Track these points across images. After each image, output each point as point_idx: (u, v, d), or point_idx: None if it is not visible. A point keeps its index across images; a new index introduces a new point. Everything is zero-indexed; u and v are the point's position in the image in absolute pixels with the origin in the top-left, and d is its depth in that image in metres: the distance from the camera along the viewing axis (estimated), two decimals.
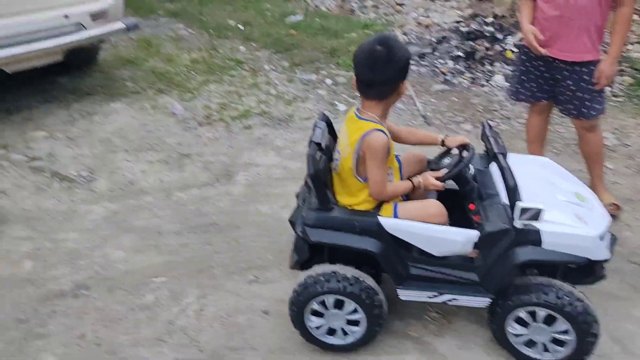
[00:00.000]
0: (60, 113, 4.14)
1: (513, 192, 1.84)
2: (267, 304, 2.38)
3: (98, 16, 4.10)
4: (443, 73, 4.86)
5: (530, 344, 2.01)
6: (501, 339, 2.05)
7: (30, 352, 2.14)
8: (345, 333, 2.07)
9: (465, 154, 2.07)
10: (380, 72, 1.89)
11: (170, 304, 2.38)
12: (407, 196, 2.13)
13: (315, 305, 1.99)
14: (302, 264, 2.05)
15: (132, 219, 2.96)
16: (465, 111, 4.27)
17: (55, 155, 3.58)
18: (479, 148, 2.23)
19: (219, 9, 6.56)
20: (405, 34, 5.66)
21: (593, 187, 3.05)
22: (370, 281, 1.96)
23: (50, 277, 2.54)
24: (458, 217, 2.03)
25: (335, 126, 2.26)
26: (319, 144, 1.96)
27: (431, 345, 2.19)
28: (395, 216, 1.97)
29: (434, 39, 5.38)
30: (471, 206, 2.05)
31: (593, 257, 1.88)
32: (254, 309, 2.36)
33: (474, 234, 1.90)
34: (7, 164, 3.46)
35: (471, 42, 5.14)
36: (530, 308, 1.92)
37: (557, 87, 2.89)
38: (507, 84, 4.64)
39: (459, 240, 1.91)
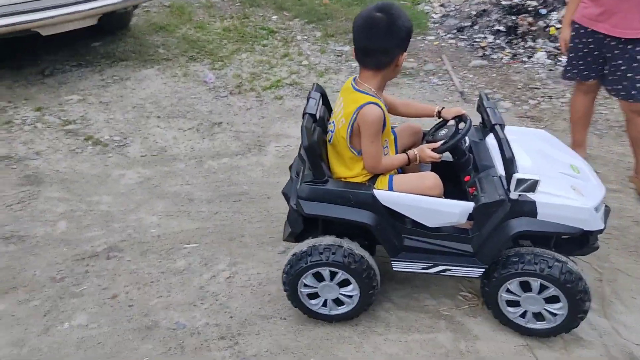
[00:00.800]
0: (94, 77, 4.15)
1: (510, 163, 1.82)
2: None
3: None
4: (482, 48, 4.68)
5: (523, 313, 2.03)
6: (494, 308, 2.06)
7: (65, 310, 2.18)
8: (338, 305, 2.08)
9: (462, 125, 2.03)
10: (379, 40, 1.82)
11: (202, 269, 2.39)
12: (402, 169, 2.11)
13: (309, 278, 2.01)
14: (296, 237, 2.04)
15: (165, 185, 2.97)
16: (505, 88, 4.11)
17: (88, 119, 3.60)
18: (475, 120, 2.15)
19: None
20: (443, 5, 5.46)
21: (637, 171, 2.92)
22: (364, 253, 1.97)
23: (84, 238, 2.57)
24: (453, 189, 2.03)
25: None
26: (313, 115, 1.94)
27: (464, 325, 2.15)
28: (391, 189, 1.95)
29: (473, 12, 5.18)
30: (467, 178, 2.04)
31: (588, 228, 1.87)
32: None
33: (469, 206, 1.89)
34: (41, 126, 3.50)
35: (513, 17, 4.92)
36: (525, 278, 1.92)
37: (606, 66, 2.74)
38: (550, 61, 4.45)
39: (454, 212, 1.90)
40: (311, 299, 2.07)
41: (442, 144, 1.99)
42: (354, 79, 1.97)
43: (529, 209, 1.83)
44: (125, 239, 2.57)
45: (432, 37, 5.00)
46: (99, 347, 2.02)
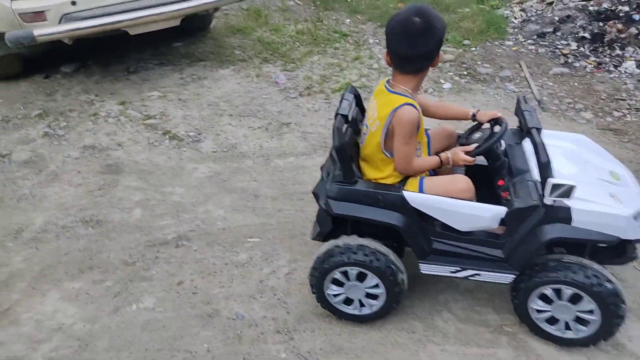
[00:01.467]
0: (174, 76, 4.38)
1: (545, 168, 1.77)
2: None
3: None
4: (564, 55, 4.43)
5: (552, 320, 1.96)
6: (522, 314, 2.01)
7: (134, 292, 2.32)
8: (362, 305, 2.06)
9: (497, 128, 1.98)
10: (420, 46, 1.79)
11: (262, 264, 2.44)
12: (435, 171, 2.07)
13: (337, 275, 2.00)
14: (324, 236, 2.04)
15: (233, 180, 3.07)
16: (587, 98, 3.86)
17: (167, 115, 3.80)
18: (513, 123, 2.09)
19: None
20: (524, 10, 5.23)
21: None
22: (392, 256, 1.95)
23: (156, 226, 2.72)
24: (486, 193, 1.99)
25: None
26: (345, 116, 1.92)
27: (527, 343, 2.04)
28: (421, 191, 1.92)
29: (556, 18, 4.91)
30: (500, 182, 1.99)
31: (625, 237, 1.81)
32: None
33: (501, 210, 1.85)
34: (124, 120, 3.74)
35: (601, 23, 4.62)
36: (557, 286, 1.87)
37: None
38: (639, 71, 4.13)
39: (486, 216, 1.86)
40: (344, 302, 2.08)
41: (476, 147, 1.96)
42: (388, 81, 1.95)
43: (564, 215, 1.79)
44: (194, 229, 2.68)
45: (511, 43, 4.80)
46: (162, 331, 2.13)
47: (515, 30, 5.02)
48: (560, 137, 2.17)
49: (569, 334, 1.96)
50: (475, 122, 2.12)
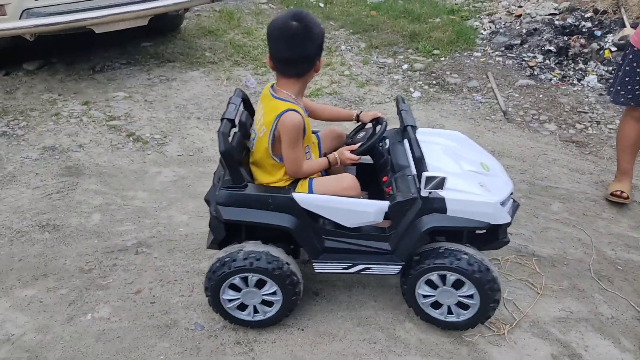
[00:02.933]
0: (141, 76, 4.29)
1: (419, 162, 1.88)
2: (319, 286, 2.34)
3: None
4: (530, 67, 4.54)
5: (437, 305, 2.08)
6: (410, 301, 2.11)
7: (90, 301, 2.23)
8: (256, 311, 2.07)
9: (378, 127, 2.08)
10: (298, 49, 1.84)
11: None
12: (327, 171, 2.12)
13: (235, 281, 1.98)
14: (219, 244, 2.03)
15: (198, 185, 3.01)
16: (551, 110, 3.96)
17: (132, 116, 3.71)
18: (396, 123, 2.20)
19: None
20: (493, 22, 5.34)
21: None
22: (284, 257, 1.97)
23: (116, 231, 2.64)
24: (377, 190, 2.09)
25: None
26: (231, 120, 1.93)
27: (487, 354, 2.05)
28: (311, 191, 1.97)
29: (524, 31, 5.04)
30: (384, 178, 2.08)
31: (494, 222, 1.94)
32: (307, 289, 2.31)
33: (384, 205, 1.93)
34: (87, 120, 3.63)
35: (565, 37, 4.75)
36: (441, 272, 1.98)
37: None
38: (601, 85, 4.26)
39: (371, 211, 1.94)
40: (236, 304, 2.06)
41: (360, 146, 2.05)
42: (272, 86, 1.98)
43: (439, 206, 1.89)
44: (155, 236, 2.61)
45: (479, 54, 4.89)
46: (117, 341, 2.06)
47: (484, 41, 5.12)
48: (437, 134, 2.32)
49: (451, 318, 2.09)
50: (359, 123, 2.23)
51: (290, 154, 1.91)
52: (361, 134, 2.15)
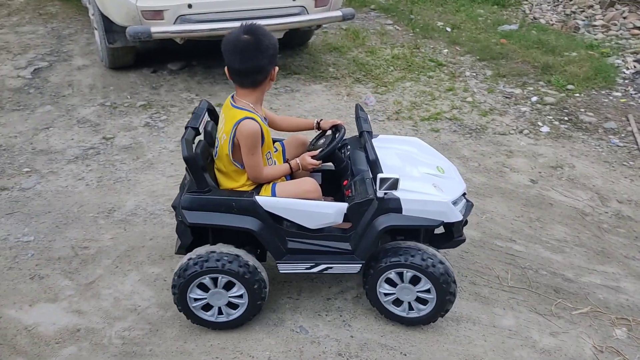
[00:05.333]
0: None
1: (374, 165, 1.99)
2: None
3: (321, 2, 4.37)
4: None
5: (398, 302, 2.15)
6: (373, 299, 2.18)
7: None
8: (220, 313, 2.11)
9: (338, 134, 2.18)
10: (250, 61, 1.92)
11: (332, 282, 2.42)
12: (292, 177, 2.22)
13: (200, 283, 2.03)
14: (187, 249, 2.08)
15: None
16: None
17: None
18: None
19: (429, 9, 6.52)
20: (638, 61, 4.89)
21: None
22: (249, 258, 2.03)
23: None
24: (343, 195, 2.16)
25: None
26: (195, 129, 2.02)
27: None
28: (274, 195, 2.05)
29: None
30: (345, 182, 2.18)
31: (447, 220, 2.03)
32: None
33: (343, 206, 2.03)
34: None
35: None
36: (399, 269, 2.05)
37: None
38: None
39: (330, 212, 2.03)
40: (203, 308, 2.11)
41: (320, 152, 2.14)
42: (232, 96, 2.06)
43: (395, 206, 1.98)
44: None
45: (619, 94, 4.50)
46: (228, 330, 2.16)
47: (626, 81, 4.70)
48: (397, 141, 2.43)
49: (412, 314, 2.15)
50: (320, 130, 2.33)
51: (250, 160, 2.00)
52: (322, 141, 2.26)
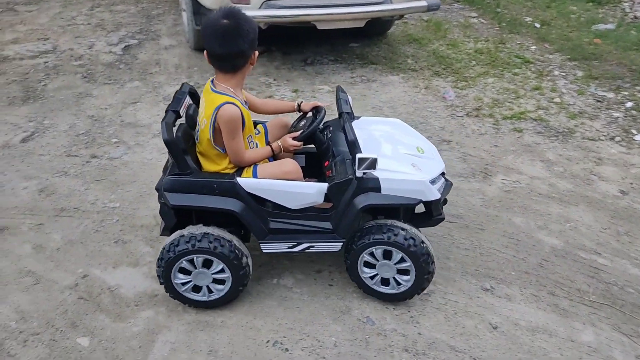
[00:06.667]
0: (345, 74, 4.52)
1: (352, 145, 2.04)
2: (497, 319, 2.19)
3: None
4: None
5: (379, 279, 2.19)
6: (353, 275, 2.22)
7: (277, 267, 2.42)
8: (210, 291, 2.14)
9: (318, 116, 2.19)
10: (230, 46, 1.91)
11: None
12: (275, 159, 2.22)
13: (183, 264, 2.06)
14: (171, 230, 2.10)
15: None
16: None
17: (332, 109, 3.93)
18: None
19: (517, 3, 6.21)
20: None
21: None
22: (236, 240, 2.06)
23: None
24: (324, 175, 2.18)
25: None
26: (176, 112, 2.03)
27: None
28: (255, 176, 2.07)
29: None
30: (326, 163, 2.20)
31: (425, 198, 2.07)
32: (483, 318, 2.19)
33: (323, 186, 2.05)
34: None
35: None
36: (378, 247, 2.09)
37: None
38: None
39: (311, 192, 2.05)
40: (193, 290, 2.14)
41: (301, 133, 2.16)
42: (212, 81, 2.05)
43: (374, 185, 2.02)
44: None
45: None
46: (297, 311, 2.20)
47: None
48: (378, 122, 2.47)
49: (389, 290, 2.19)
50: (301, 112, 2.34)
51: (232, 144, 2.01)
52: (302, 122, 2.27)
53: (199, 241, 2.01)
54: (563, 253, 2.59)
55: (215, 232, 2.03)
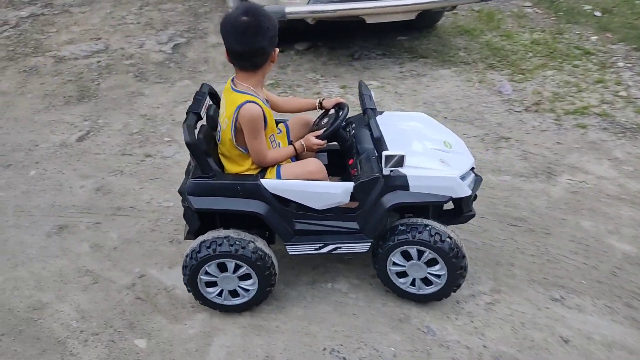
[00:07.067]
0: (394, 68, 4.39)
1: (378, 142, 1.96)
2: (568, 333, 2.05)
3: None
4: None
5: (410, 279, 2.12)
6: (384, 278, 2.15)
7: (331, 271, 2.35)
8: (237, 294, 2.11)
9: (341, 113, 2.13)
10: (250, 43, 1.88)
11: (463, 284, 2.27)
12: (297, 158, 2.17)
13: (209, 269, 2.02)
14: (195, 234, 2.07)
15: None
16: None
17: (383, 106, 3.82)
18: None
19: None
20: None
21: None
22: (259, 242, 2.02)
23: None
24: (349, 173, 2.13)
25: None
26: (197, 113, 2.00)
27: None
28: (279, 177, 2.02)
29: None
30: (350, 161, 2.14)
31: (455, 195, 1.99)
32: (553, 331, 2.05)
33: (349, 186, 1.99)
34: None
35: None
36: (407, 247, 2.02)
37: None
38: None
39: (337, 192, 1.99)
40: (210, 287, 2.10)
41: (324, 131, 2.09)
42: (232, 80, 2.01)
43: (401, 183, 1.95)
44: None
45: None
46: (353, 318, 2.13)
47: None
48: (402, 117, 2.40)
49: (425, 290, 2.11)
50: (323, 110, 2.27)
51: (254, 144, 1.96)
52: (325, 120, 2.20)
53: (220, 245, 1.98)
54: (638, 260, 2.40)
55: (236, 235, 2.00)
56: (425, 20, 4.95)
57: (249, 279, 2.06)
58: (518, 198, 2.83)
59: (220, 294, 2.11)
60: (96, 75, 4.40)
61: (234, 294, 2.11)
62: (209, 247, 1.98)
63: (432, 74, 4.28)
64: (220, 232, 2.01)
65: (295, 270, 2.37)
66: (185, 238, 2.14)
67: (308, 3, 3.97)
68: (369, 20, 4.08)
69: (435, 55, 4.58)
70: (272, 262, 2.06)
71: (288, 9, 3.87)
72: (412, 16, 4.14)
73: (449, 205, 2.12)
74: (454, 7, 4.55)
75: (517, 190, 2.90)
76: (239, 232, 2.02)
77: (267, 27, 1.89)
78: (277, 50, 1.99)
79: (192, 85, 4.18)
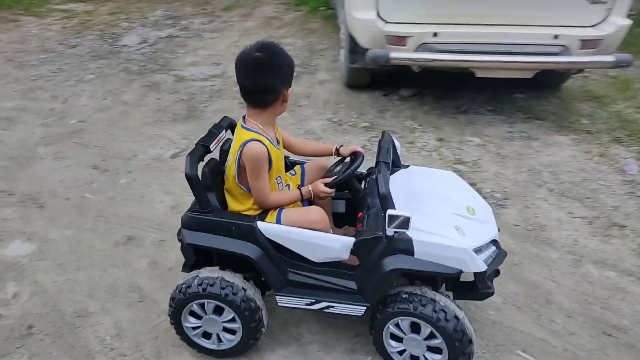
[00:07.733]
0: (502, 127, 4.04)
1: (384, 199, 1.79)
2: None
3: (589, 44, 3.68)
4: None
5: (405, 353, 1.93)
6: (379, 347, 1.97)
7: None
8: (220, 340, 2.01)
9: (355, 162, 2.05)
10: (260, 80, 1.83)
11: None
12: (310, 204, 2.10)
13: (194, 307, 1.94)
14: (191, 267, 1.99)
15: (526, 268, 2.56)
16: None
17: (479, 166, 3.51)
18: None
19: None
20: None
21: None
22: (251, 291, 1.91)
23: None
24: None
25: None
26: (205, 147, 1.94)
27: None
28: (279, 222, 1.93)
29: None
30: (360, 214, 2.02)
31: (466, 269, 1.79)
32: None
33: (349, 241, 1.86)
34: (435, 156, 3.63)
35: None
36: (405, 318, 1.85)
37: None
38: None
39: (335, 246, 1.87)
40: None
41: (334, 179, 2.00)
42: (243, 117, 1.96)
43: (406, 247, 1.78)
44: None
45: None
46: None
47: None
48: (428, 174, 2.22)
49: None
50: (340, 157, 2.18)
51: (255, 183, 1.90)
52: (338, 168, 2.11)
53: (211, 285, 1.88)
54: None
55: (229, 278, 1.89)
56: (548, 80, 4.54)
57: (235, 325, 1.96)
58: (621, 302, 2.34)
59: (204, 336, 2.03)
60: (206, 98, 4.67)
61: (209, 336, 2.02)
62: (200, 285, 1.90)
63: (546, 139, 3.86)
64: (215, 272, 1.93)
65: (337, 332, 2.18)
66: (182, 270, 2.09)
67: (416, 50, 3.83)
68: (479, 74, 3.82)
69: (553, 119, 4.14)
70: (261, 315, 1.95)
71: (392, 55, 3.76)
72: (530, 75, 3.79)
73: (469, 276, 1.89)
74: (580, 70, 4.10)
75: (621, 291, 2.41)
76: (234, 275, 1.93)
77: (279, 65, 1.84)
78: (291, 89, 1.93)
79: (289, 118, 4.23)
